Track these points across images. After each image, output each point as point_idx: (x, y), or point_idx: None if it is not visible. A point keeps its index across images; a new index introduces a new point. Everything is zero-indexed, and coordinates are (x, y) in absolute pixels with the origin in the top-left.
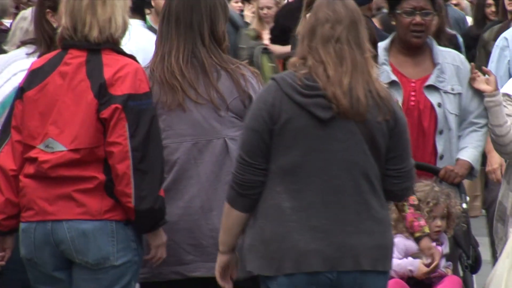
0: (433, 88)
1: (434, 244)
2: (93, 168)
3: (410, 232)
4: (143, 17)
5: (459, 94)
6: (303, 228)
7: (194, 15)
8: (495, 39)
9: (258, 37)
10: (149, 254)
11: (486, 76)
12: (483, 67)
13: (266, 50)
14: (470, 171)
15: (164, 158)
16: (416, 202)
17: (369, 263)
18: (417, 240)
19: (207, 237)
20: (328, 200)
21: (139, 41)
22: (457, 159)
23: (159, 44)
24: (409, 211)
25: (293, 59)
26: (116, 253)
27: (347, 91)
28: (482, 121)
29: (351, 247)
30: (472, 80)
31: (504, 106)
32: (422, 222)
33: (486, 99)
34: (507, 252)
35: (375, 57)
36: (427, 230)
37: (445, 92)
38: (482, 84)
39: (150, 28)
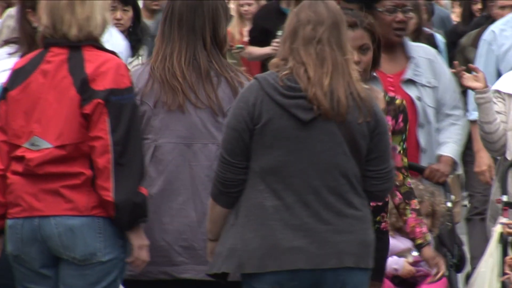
0: (410, 82)
1: None
2: (79, 164)
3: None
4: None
5: (435, 87)
6: (285, 227)
7: (197, 18)
8: (472, 44)
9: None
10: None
11: (473, 73)
12: (470, 64)
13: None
14: (454, 167)
15: (144, 153)
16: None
17: (352, 260)
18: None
19: (199, 240)
20: (309, 199)
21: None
22: (440, 156)
23: (160, 43)
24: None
25: (274, 60)
26: (103, 249)
27: (327, 92)
28: (458, 112)
29: (333, 245)
30: (459, 78)
31: (494, 103)
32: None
33: (477, 95)
34: (490, 251)
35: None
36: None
37: (422, 85)
38: (471, 81)
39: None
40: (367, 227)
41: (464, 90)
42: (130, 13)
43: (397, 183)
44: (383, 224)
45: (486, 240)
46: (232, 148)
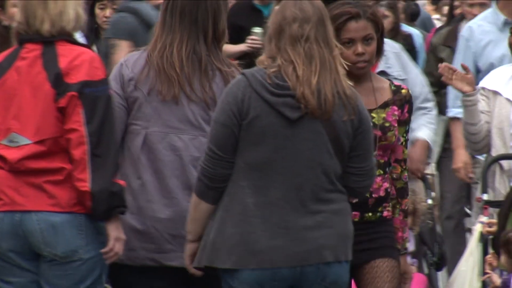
0: (383, 74)
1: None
2: (59, 158)
3: None
4: None
5: (405, 79)
6: (265, 224)
7: (199, 11)
8: (443, 43)
9: None
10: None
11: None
12: (462, 63)
13: None
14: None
15: (118, 144)
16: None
17: (331, 254)
18: None
19: None
20: (289, 196)
21: None
22: (415, 139)
23: (160, 32)
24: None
25: (262, 57)
26: (85, 246)
27: (315, 91)
28: (429, 105)
29: (313, 241)
30: (447, 80)
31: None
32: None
33: (464, 98)
34: (470, 250)
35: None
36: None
37: (394, 78)
38: (460, 83)
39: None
40: (346, 220)
41: (440, 88)
42: None
43: (394, 176)
44: (385, 212)
45: (457, 242)
46: (223, 143)
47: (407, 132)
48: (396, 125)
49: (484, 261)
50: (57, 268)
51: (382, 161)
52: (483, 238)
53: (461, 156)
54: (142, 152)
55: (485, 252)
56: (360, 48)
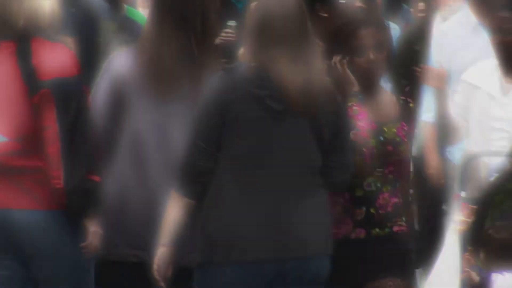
0: None
1: None
2: (38, 157)
3: None
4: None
5: None
6: (249, 218)
7: (188, 7)
8: (417, 37)
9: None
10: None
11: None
12: (437, 60)
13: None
14: None
15: (91, 140)
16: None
17: (314, 248)
18: None
19: None
20: (273, 190)
21: None
22: None
23: (150, 28)
24: None
25: (242, 51)
26: (69, 242)
27: (299, 87)
28: None
29: (295, 235)
30: (424, 81)
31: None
32: None
33: (438, 93)
34: (448, 247)
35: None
36: None
37: None
38: (435, 81)
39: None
40: (327, 214)
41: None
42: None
43: (403, 193)
44: (396, 227)
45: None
46: (207, 135)
47: (411, 147)
48: (406, 140)
49: (461, 258)
50: (43, 265)
51: (391, 176)
52: (461, 236)
53: (433, 162)
54: (129, 149)
55: (463, 250)
56: (372, 55)
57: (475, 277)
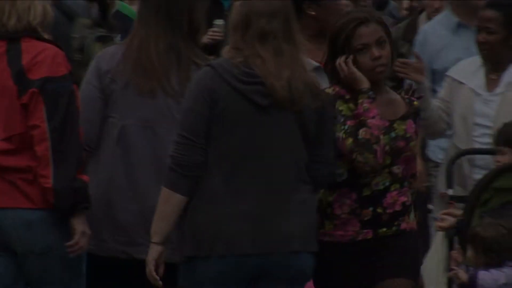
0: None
1: None
2: (28, 157)
3: None
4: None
5: None
6: (235, 212)
7: (174, 4)
8: (402, 37)
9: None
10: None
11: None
12: (415, 52)
13: (101, 39)
14: None
15: (81, 140)
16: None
17: (298, 244)
18: None
19: None
20: (259, 185)
21: None
22: None
23: (138, 26)
24: None
25: (227, 48)
26: (61, 241)
27: (285, 83)
28: None
29: (281, 230)
30: (403, 74)
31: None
32: None
33: (419, 86)
34: (436, 246)
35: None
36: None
37: None
38: (414, 74)
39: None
40: (313, 210)
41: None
42: (94, 9)
43: (411, 192)
44: (403, 225)
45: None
46: (195, 129)
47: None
48: (415, 137)
49: (449, 257)
50: (35, 264)
51: (400, 174)
52: (449, 234)
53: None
54: (117, 145)
55: (450, 248)
56: (375, 52)
57: (463, 275)
